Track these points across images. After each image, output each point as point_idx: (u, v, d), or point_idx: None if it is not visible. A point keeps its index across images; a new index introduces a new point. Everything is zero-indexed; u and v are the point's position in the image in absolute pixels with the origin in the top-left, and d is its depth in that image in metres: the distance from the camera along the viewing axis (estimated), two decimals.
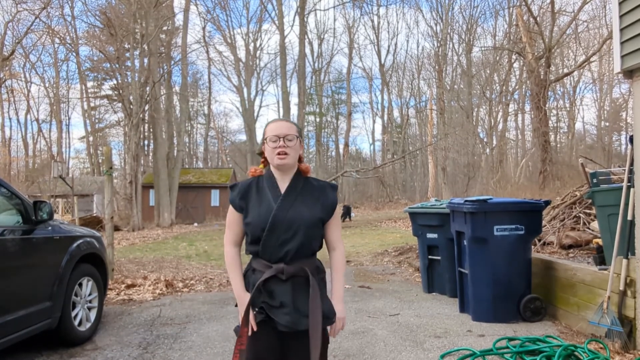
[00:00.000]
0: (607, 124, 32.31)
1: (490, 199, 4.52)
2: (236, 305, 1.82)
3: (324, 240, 1.88)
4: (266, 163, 1.87)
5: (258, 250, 1.76)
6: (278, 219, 1.72)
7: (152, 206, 23.15)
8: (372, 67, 58.76)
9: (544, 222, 6.34)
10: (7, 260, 3.21)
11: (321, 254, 1.87)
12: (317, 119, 42.25)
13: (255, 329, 1.71)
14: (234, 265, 1.82)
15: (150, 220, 21.94)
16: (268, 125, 1.84)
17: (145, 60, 21.21)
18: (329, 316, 1.78)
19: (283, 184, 1.80)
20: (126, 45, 22.34)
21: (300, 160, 1.87)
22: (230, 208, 1.83)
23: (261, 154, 1.89)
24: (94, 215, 17.84)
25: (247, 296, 1.74)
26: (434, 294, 5.66)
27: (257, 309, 1.73)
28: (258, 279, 1.73)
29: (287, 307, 1.71)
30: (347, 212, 21.46)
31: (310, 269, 1.77)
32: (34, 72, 35.10)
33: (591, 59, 18.33)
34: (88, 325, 4.05)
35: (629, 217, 3.68)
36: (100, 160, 35.30)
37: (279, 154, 1.75)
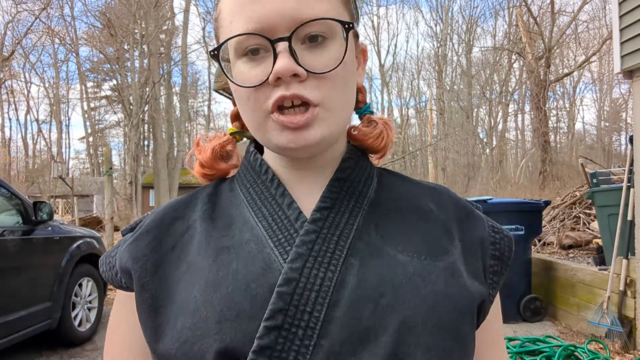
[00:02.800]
0: (607, 124, 32.33)
1: (490, 199, 4.53)
2: None
3: None
4: (243, 128, 0.63)
5: None
6: (308, 297, 0.45)
7: (152, 206, 23.17)
8: (371, 67, 58.81)
9: (544, 222, 6.34)
10: (7, 260, 3.21)
11: None
12: None
13: None
14: None
15: None
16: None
17: (145, 60, 21.22)
18: None
19: (312, 188, 0.54)
20: (126, 46, 22.35)
21: (358, 105, 0.61)
22: (117, 298, 0.57)
23: (225, 89, 0.60)
24: (94, 215, 17.83)
25: None
26: None
27: None
28: None
29: None
30: None
31: None
32: (33, 72, 35.12)
33: (591, 59, 18.34)
34: (88, 325, 4.05)
35: (629, 217, 3.68)
36: (100, 161, 35.30)
37: (283, 113, 0.48)
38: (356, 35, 0.55)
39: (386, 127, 0.58)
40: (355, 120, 0.61)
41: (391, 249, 0.49)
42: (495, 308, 0.57)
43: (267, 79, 0.47)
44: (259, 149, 0.59)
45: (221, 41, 0.50)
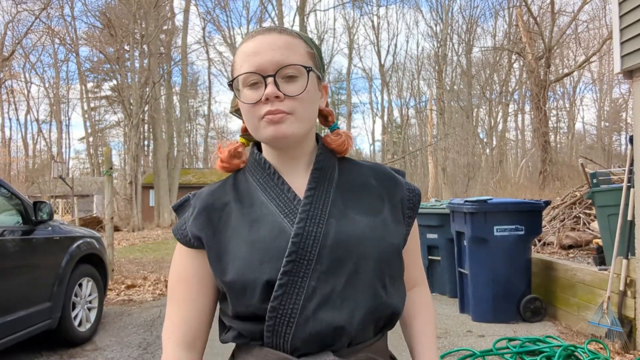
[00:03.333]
0: (607, 124, 32.34)
1: (490, 199, 4.53)
2: None
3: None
4: (249, 138, 0.90)
5: (261, 331, 0.77)
6: (306, 245, 0.75)
7: (152, 206, 23.17)
8: (372, 67, 58.77)
9: (544, 223, 6.34)
10: (7, 260, 3.21)
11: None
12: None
13: None
14: None
15: (150, 220, 21.94)
16: (241, 46, 0.82)
17: (145, 60, 21.22)
18: None
19: (295, 175, 0.84)
20: (126, 46, 22.35)
21: (327, 119, 0.92)
22: (178, 251, 0.87)
23: (237, 112, 0.87)
24: (94, 215, 17.83)
25: None
26: (434, 294, 5.66)
27: None
28: None
29: None
30: None
31: None
32: (34, 72, 35.13)
33: (591, 59, 18.33)
34: (88, 325, 4.05)
35: (629, 218, 3.68)
36: (100, 161, 35.29)
37: (270, 118, 0.77)
38: (318, 77, 0.84)
39: (347, 138, 0.88)
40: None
41: (351, 212, 0.81)
42: (414, 233, 0.92)
43: (261, 99, 0.77)
44: (259, 150, 0.88)
45: (235, 76, 0.81)
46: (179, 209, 0.88)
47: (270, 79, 0.76)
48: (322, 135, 0.91)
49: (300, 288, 0.74)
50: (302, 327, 0.74)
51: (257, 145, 0.89)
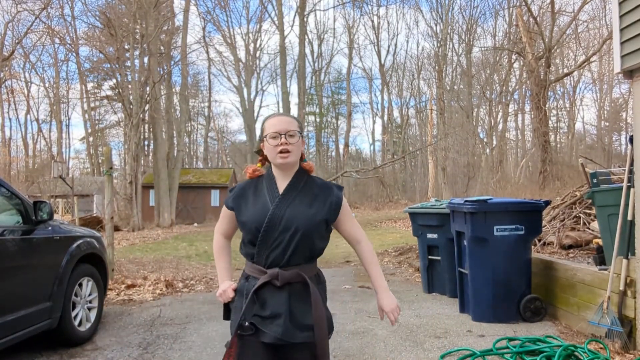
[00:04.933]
0: (607, 124, 32.33)
1: (490, 199, 4.53)
2: (227, 311, 1.76)
3: (344, 239, 1.84)
4: (264, 162, 1.79)
5: (253, 254, 1.65)
6: (274, 218, 1.60)
7: (152, 206, 23.15)
8: (372, 67, 58.81)
9: (544, 222, 6.34)
10: (7, 260, 3.21)
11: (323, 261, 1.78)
12: (317, 119, 42.22)
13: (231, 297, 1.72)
14: (219, 253, 1.83)
15: (150, 220, 21.93)
16: (267, 120, 1.72)
17: (145, 60, 21.21)
18: (330, 327, 1.67)
19: (283, 183, 1.69)
20: (126, 46, 22.34)
21: (302, 158, 1.76)
22: (224, 208, 1.79)
23: (259, 151, 1.78)
24: (94, 215, 17.83)
25: (228, 284, 1.74)
26: (434, 294, 5.66)
27: (247, 324, 1.58)
28: (250, 287, 1.63)
29: (280, 317, 1.58)
30: None
31: (308, 275, 1.64)
32: (34, 72, 35.08)
33: (591, 59, 18.34)
34: (88, 325, 4.05)
35: (629, 217, 3.68)
36: (100, 161, 35.28)
37: (280, 152, 1.64)
38: (302, 135, 1.74)
39: (311, 166, 1.78)
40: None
41: (300, 205, 1.66)
42: (344, 212, 1.75)
43: (279, 144, 1.66)
44: (271, 169, 1.76)
45: (265, 134, 1.69)
46: (232, 189, 1.79)
47: (283, 136, 1.66)
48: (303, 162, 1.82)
49: (270, 238, 1.63)
50: (269, 255, 1.64)
51: (269, 166, 1.78)
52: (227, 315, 1.75)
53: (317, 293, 1.63)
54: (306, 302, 1.61)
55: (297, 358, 1.62)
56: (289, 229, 1.60)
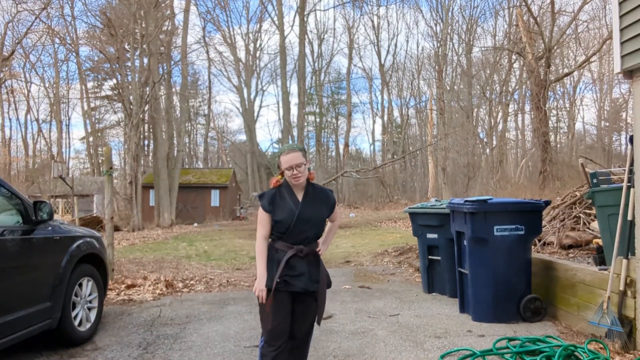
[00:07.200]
0: (607, 124, 32.34)
1: (490, 199, 4.52)
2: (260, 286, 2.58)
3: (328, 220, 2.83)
4: (283, 175, 2.68)
5: (282, 236, 2.58)
6: (301, 217, 2.55)
7: (152, 206, 23.16)
8: (372, 67, 58.79)
9: (544, 222, 6.34)
10: (7, 260, 3.21)
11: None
12: (317, 119, 42.25)
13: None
14: (263, 253, 2.59)
15: (150, 220, 21.93)
16: (282, 156, 2.60)
17: (145, 60, 21.22)
18: (329, 283, 2.75)
19: (298, 192, 2.63)
20: (126, 46, 22.32)
21: (309, 170, 2.70)
22: (261, 210, 2.61)
23: (278, 168, 2.70)
24: (94, 215, 17.83)
25: (265, 289, 2.52)
26: (434, 294, 5.66)
27: (279, 279, 2.50)
28: (280, 257, 2.55)
29: (304, 275, 2.56)
30: None
31: (315, 248, 2.66)
32: (34, 72, 35.13)
33: (591, 59, 18.32)
34: (88, 325, 4.05)
35: (629, 217, 3.68)
36: (100, 161, 35.30)
37: (294, 177, 2.56)
38: (307, 159, 2.66)
39: (312, 175, 2.73)
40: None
41: (312, 207, 2.64)
42: (335, 211, 2.79)
43: (293, 173, 2.57)
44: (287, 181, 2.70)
45: (282, 167, 2.61)
46: (260, 197, 2.65)
47: (294, 168, 2.54)
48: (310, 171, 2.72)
49: (296, 229, 2.56)
50: (296, 238, 2.58)
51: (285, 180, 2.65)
52: (269, 283, 2.53)
53: (321, 261, 2.68)
54: (316, 266, 2.63)
55: (306, 300, 2.62)
56: (308, 223, 2.59)
